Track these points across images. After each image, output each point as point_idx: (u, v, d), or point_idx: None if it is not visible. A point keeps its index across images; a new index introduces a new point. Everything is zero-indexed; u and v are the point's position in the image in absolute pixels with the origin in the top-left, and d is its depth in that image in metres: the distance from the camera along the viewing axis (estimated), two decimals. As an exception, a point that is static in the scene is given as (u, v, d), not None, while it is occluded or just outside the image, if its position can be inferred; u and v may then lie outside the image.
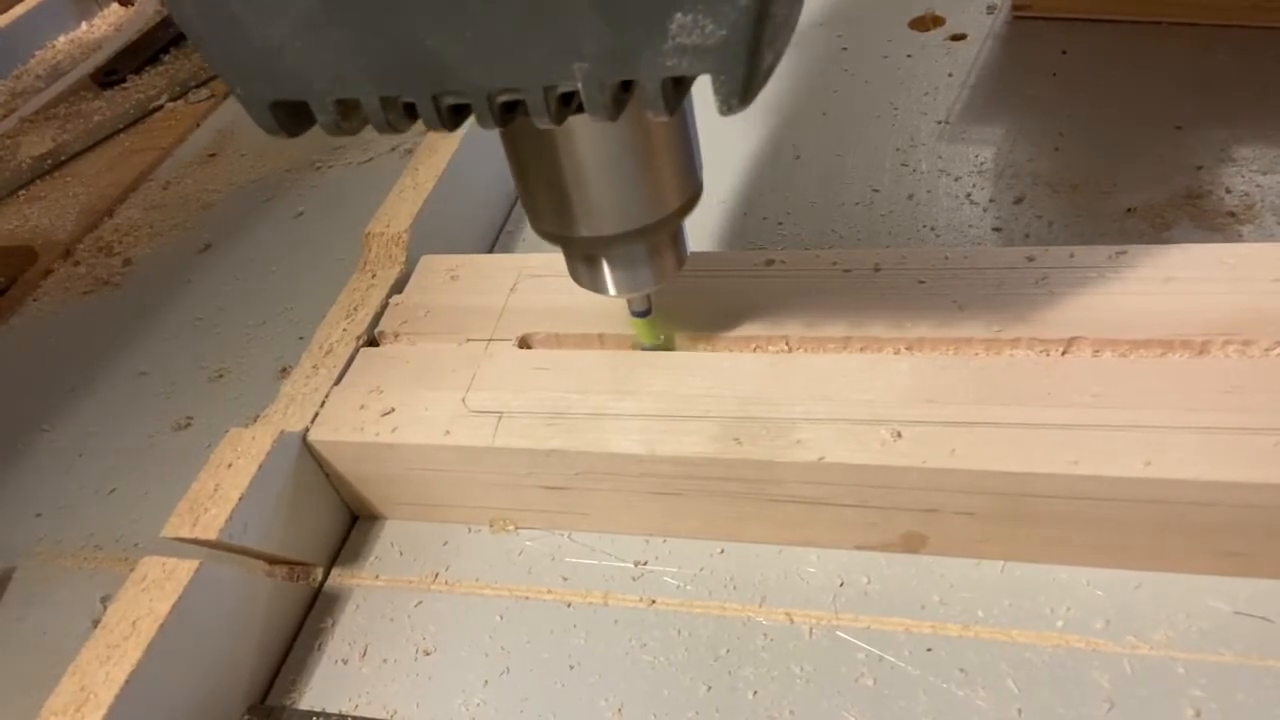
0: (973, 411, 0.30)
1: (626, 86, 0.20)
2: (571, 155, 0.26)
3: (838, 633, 0.32)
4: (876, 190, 0.51)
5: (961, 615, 0.31)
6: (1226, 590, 0.30)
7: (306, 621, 0.36)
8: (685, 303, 0.36)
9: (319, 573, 0.37)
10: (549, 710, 0.31)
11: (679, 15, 0.18)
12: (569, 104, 0.21)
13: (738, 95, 0.19)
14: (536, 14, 0.18)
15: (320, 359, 0.38)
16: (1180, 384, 0.30)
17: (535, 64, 0.19)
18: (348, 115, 0.22)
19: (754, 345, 0.35)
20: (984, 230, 0.47)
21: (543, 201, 0.28)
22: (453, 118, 0.21)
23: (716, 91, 0.19)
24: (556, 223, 0.28)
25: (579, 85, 0.19)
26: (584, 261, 0.31)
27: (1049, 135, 0.52)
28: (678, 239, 0.31)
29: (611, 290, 0.31)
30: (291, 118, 0.22)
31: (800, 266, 0.37)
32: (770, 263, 0.37)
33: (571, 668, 0.32)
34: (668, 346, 0.36)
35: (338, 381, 0.37)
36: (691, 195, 0.28)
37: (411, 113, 0.21)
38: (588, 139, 0.25)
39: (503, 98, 0.21)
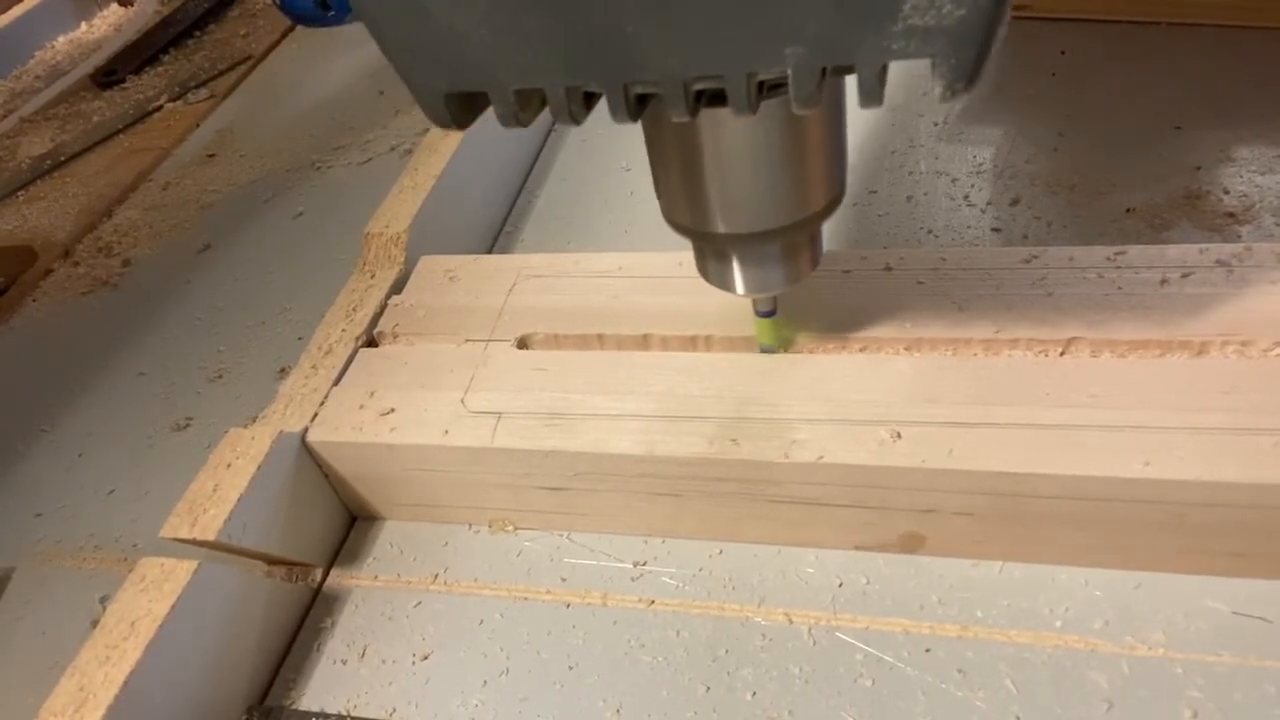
0: (971, 412, 0.30)
1: (824, 73, 0.19)
2: (719, 148, 0.24)
3: (836, 633, 0.32)
4: (874, 191, 0.51)
5: (960, 616, 0.31)
6: (1225, 590, 0.30)
7: (305, 622, 0.36)
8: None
9: (318, 573, 0.37)
10: (548, 710, 0.31)
11: None
12: (763, 91, 0.20)
13: (965, 79, 0.18)
14: None
15: (319, 359, 0.38)
16: (1179, 384, 0.30)
17: (743, 49, 0.18)
18: (525, 106, 0.21)
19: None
20: (983, 231, 0.47)
21: (680, 193, 0.27)
22: (639, 107, 0.21)
23: (941, 76, 0.18)
24: (691, 216, 0.27)
25: (788, 72, 0.18)
26: (715, 258, 0.29)
27: (1048, 136, 0.52)
28: (815, 240, 0.29)
29: (739, 289, 0.29)
30: (464, 109, 0.22)
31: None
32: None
33: (570, 668, 0.32)
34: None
35: (337, 382, 0.37)
36: (836, 195, 0.27)
37: (590, 101, 0.21)
38: (739, 132, 0.24)
39: (698, 85, 0.20)
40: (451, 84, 0.21)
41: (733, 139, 0.24)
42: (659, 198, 0.28)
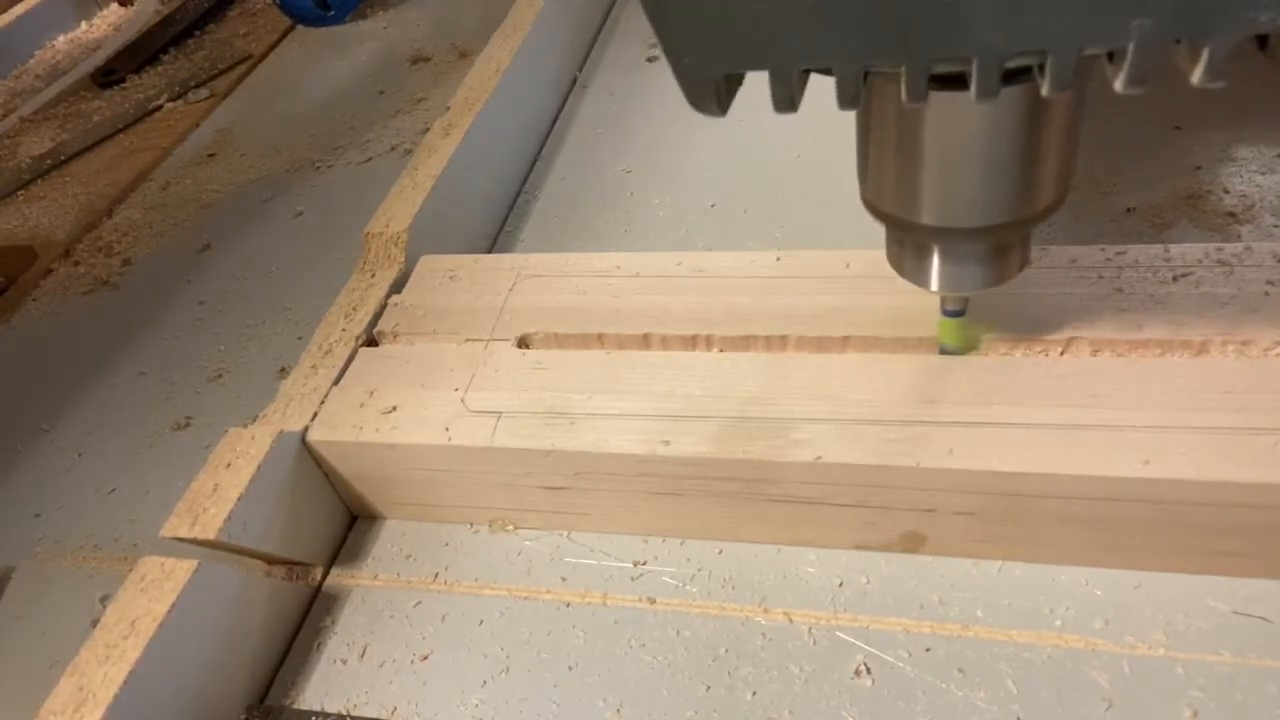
0: (972, 411, 0.30)
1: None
2: (952, 135, 0.23)
3: (837, 633, 0.32)
4: (876, 190, 0.50)
5: (960, 615, 0.31)
6: (1225, 590, 0.30)
7: (305, 621, 0.36)
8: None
9: (318, 573, 0.37)
10: (548, 710, 0.31)
11: None
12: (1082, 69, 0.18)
13: None
14: None
15: (319, 359, 0.38)
16: (1179, 384, 0.30)
17: (1081, 22, 0.17)
18: (803, 87, 0.20)
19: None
20: (983, 230, 0.47)
21: (890, 178, 0.25)
22: (930, 87, 0.19)
23: None
24: (898, 204, 0.25)
25: (1129, 46, 0.17)
26: (914, 250, 0.27)
27: (1048, 135, 0.52)
28: (1026, 241, 0.27)
29: (934, 285, 0.28)
30: (729, 92, 0.21)
31: (804, 266, 0.37)
32: (779, 260, 0.37)
33: (571, 668, 0.32)
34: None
35: (337, 381, 0.37)
36: (1061, 194, 0.25)
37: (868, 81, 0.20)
38: (977, 119, 0.22)
39: (1015, 62, 0.18)
40: (731, 65, 0.20)
41: (968, 125, 0.22)
42: (862, 180, 0.26)
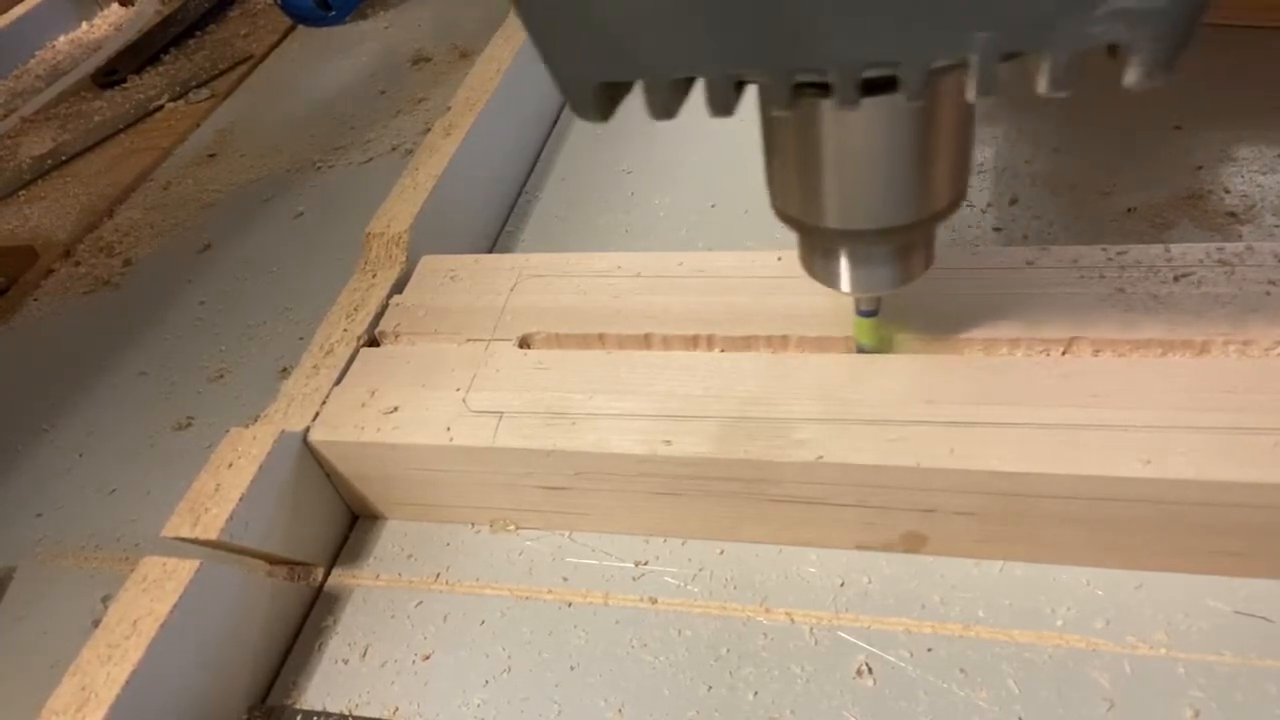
0: (972, 411, 0.30)
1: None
2: (844, 141, 0.23)
3: (838, 633, 0.32)
4: (876, 190, 0.51)
5: (962, 615, 0.31)
6: (1226, 590, 0.30)
7: (307, 621, 0.36)
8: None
9: (319, 573, 0.37)
10: (549, 710, 0.31)
11: None
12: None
13: (1164, 64, 0.17)
14: None
15: (320, 359, 0.38)
16: (1180, 384, 0.30)
17: (926, 35, 0.18)
18: (677, 97, 0.20)
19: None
20: (984, 231, 0.47)
21: (793, 184, 0.26)
22: (797, 97, 0.20)
23: (1140, 62, 0.17)
24: (803, 209, 0.26)
25: (973, 59, 0.18)
26: (821, 253, 0.29)
27: (1048, 135, 0.52)
28: (929, 241, 0.29)
29: (845, 287, 0.29)
30: (610, 99, 0.21)
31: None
32: (780, 260, 0.37)
33: (572, 668, 0.32)
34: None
35: (338, 381, 0.37)
36: (959, 194, 0.26)
37: (739, 91, 0.20)
38: (866, 124, 0.23)
39: (870, 73, 0.19)
40: (605, 74, 0.20)
41: (859, 131, 0.23)
42: (769, 187, 0.27)
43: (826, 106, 0.22)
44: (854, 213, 0.25)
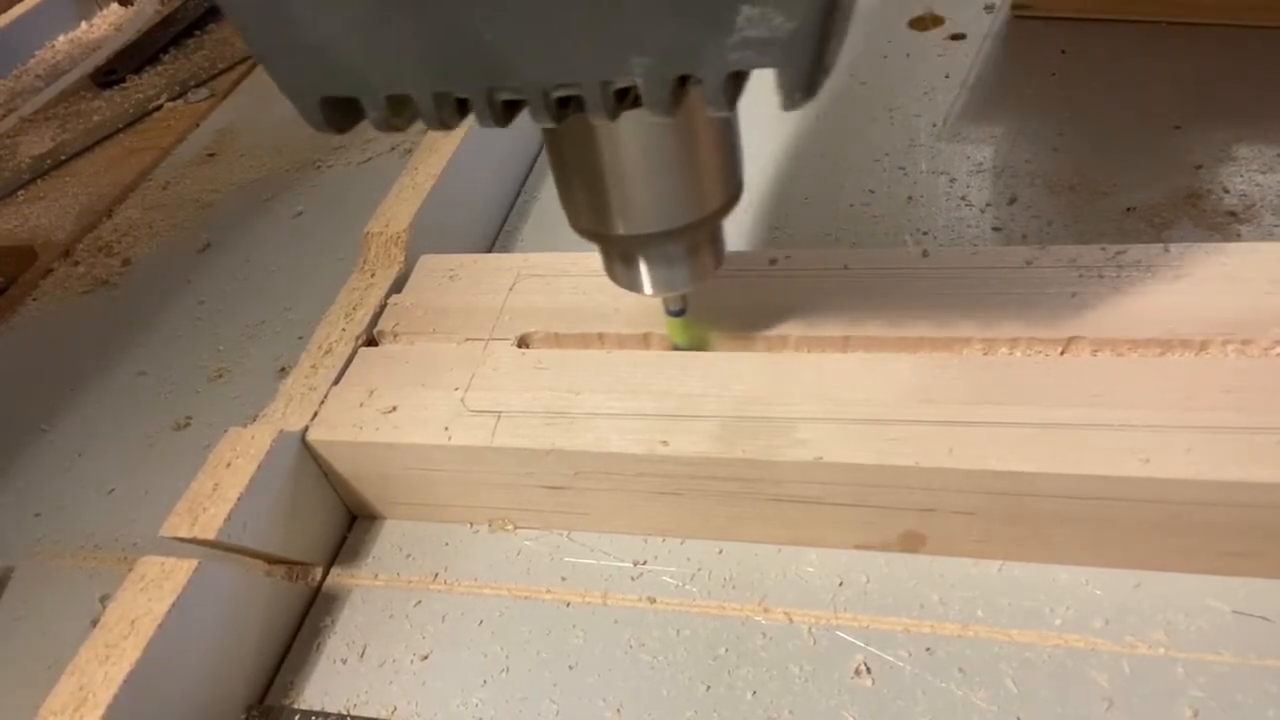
0: (971, 411, 0.30)
1: (684, 81, 0.20)
2: (614, 152, 0.25)
3: (837, 632, 0.32)
4: (872, 191, 0.51)
5: (961, 615, 0.31)
6: (1225, 590, 0.30)
7: (305, 621, 0.36)
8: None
9: (318, 572, 0.37)
10: (548, 710, 0.31)
11: (746, 8, 0.17)
12: (624, 99, 0.20)
13: (802, 89, 0.19)
14: (597, 7, 0.18)
15: (319, 359, 0.38)
16: (1180, 384, 0.30)
17: (593, 58, 0.19)
18: (399, 111, 0.21)
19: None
20: (983, 231, 0.47)
21: (581, 198, 0.27)
22: (506, 113, 0.21)
23: (781, 86, 0.19)
24: (594, 220, 0.28)
25: (637, 80, 0.19)
26: (621, 260, 0.30)
27: (1048, 135, 0.52)
28: (716, 239, 0.30)
29: (647, 289, 0.30)
30: (340, 114, 0.22)
31: (803, 266, 0.37)
32: (774, 262, 0.37)
33: (570, 667, 0.32)
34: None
35: (337, 381, 0.37)
36: (732, 195, 0.28)
37: (463, 108, 0.21)
38: (632, 136, 0.25)
39: (558, 93, 0.20)
40: (324, 89, 0.21)
41: (623, 143, 0.25)
42: (564, 207, 0.29)
43: (589, 122, 0.23)
44: (640, 218, 0.27)
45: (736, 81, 0.19)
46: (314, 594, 0.36)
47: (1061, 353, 0.32)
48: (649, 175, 0.26)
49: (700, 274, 0.30)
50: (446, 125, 0.21)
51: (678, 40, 0.18)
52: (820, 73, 0.19)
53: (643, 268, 0.30)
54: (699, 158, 0.26)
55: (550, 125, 0.21)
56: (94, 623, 0.30)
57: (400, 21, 0.19)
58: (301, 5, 0.19)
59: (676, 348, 0.35)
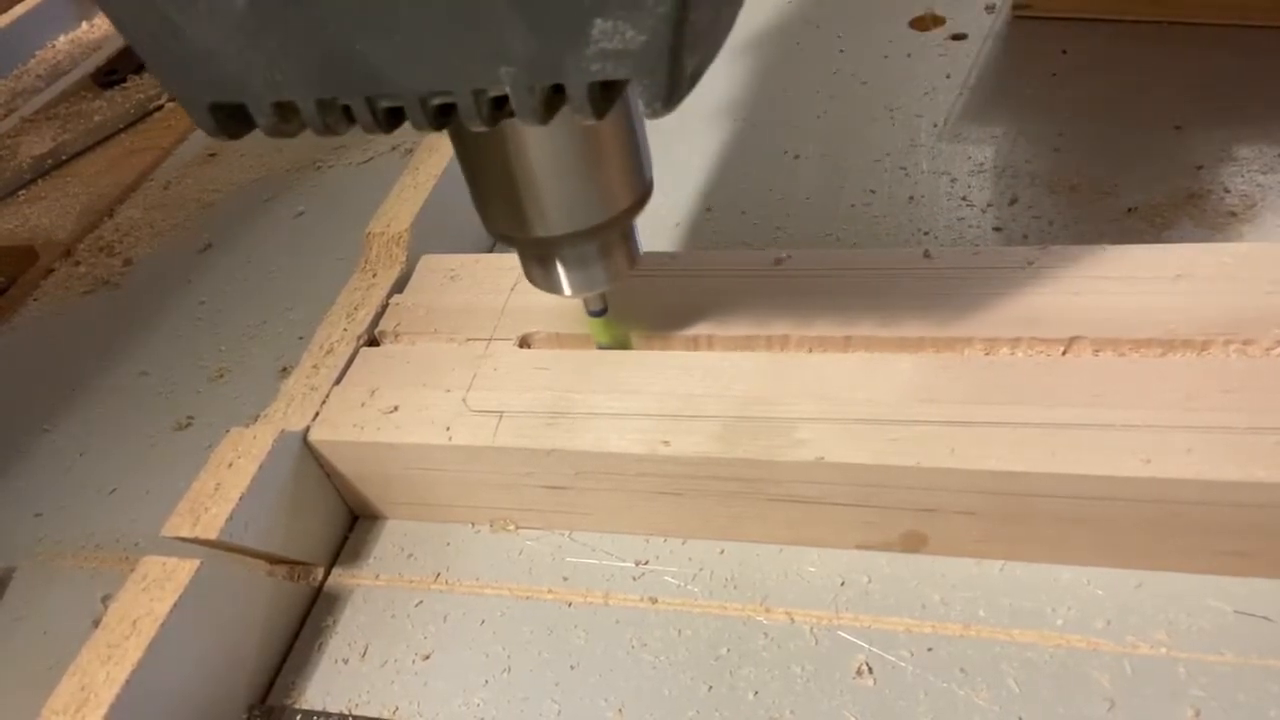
0: (972, 411, 0.30)
1: (558, 89, 0.20)
2: (518, 157, 0.26)
3: (838, 632, 0.32)
4: (874, 191, 0.51)
5: (962, 615, 0.31)
6: (1226, 590, 0.30)
7: (307, 621, 0.36)
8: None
9: (319, 572, 0.37)
10: (550, 710, 0.31)
11: (599, 21, 0.18)
12: (502, 107, 0.21)
13: (661, 99, 0.19)
14: (460, 18, 0.18)
15: (320, 359, 0.38)
16: (1180, 384, 0.30)
17: (463, 67, 0.19)
18: (286, 118, 0.21)
19: (749, 344, 0.35)
20: (983, 231, 0.47)
21: (493, 202, 0.28)
22: (389, 120, 0.21)
23: (640, 95, 0.19)
24: (508, 224, 0.28)
25: (507, 89, 0.19)
26: (537, 262, 0.31)
27: (1048, 136, 0.52)
28: (629, 238, 0.31)
29: (566, 290, 0.31)
30: (233, 119, 0.22)
31: (804, 266, 0.37)
32: (779, 261, 0.37)
33: (572, 667, 0.32)
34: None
35: (338, 381, 0.37)
36: (640, 194, 0.29)
37: (349, 115, 0.21)
38: (533, 140, 0.25)
39: (436, 100, 0.20)
40: (212, 95, 0.21)
41: (528, 147, 0.25)
42: (480, 212, 0.29)
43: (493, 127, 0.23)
44: (551, 220, 0.27)
45: (605, 91, 0.20)
46: (316, 594, 0.36)
47: (1063, 353, 0.32)
48: (555, 178, 0.26)
49: (615, 274, 0.30)
50: (333, 131, 0.21)
51: (540, 51, 0.19)
52: (680, 83, 0.19)
53: (560, 269, 0.30)
54: (603, 159, 0.26)
55: (432, 132, 0.21)
56: (96, 623, 0.30)
57: (277, 32, 0.19)
58: (183, 16, 0.19)
59: (601, 347, 0.36)
